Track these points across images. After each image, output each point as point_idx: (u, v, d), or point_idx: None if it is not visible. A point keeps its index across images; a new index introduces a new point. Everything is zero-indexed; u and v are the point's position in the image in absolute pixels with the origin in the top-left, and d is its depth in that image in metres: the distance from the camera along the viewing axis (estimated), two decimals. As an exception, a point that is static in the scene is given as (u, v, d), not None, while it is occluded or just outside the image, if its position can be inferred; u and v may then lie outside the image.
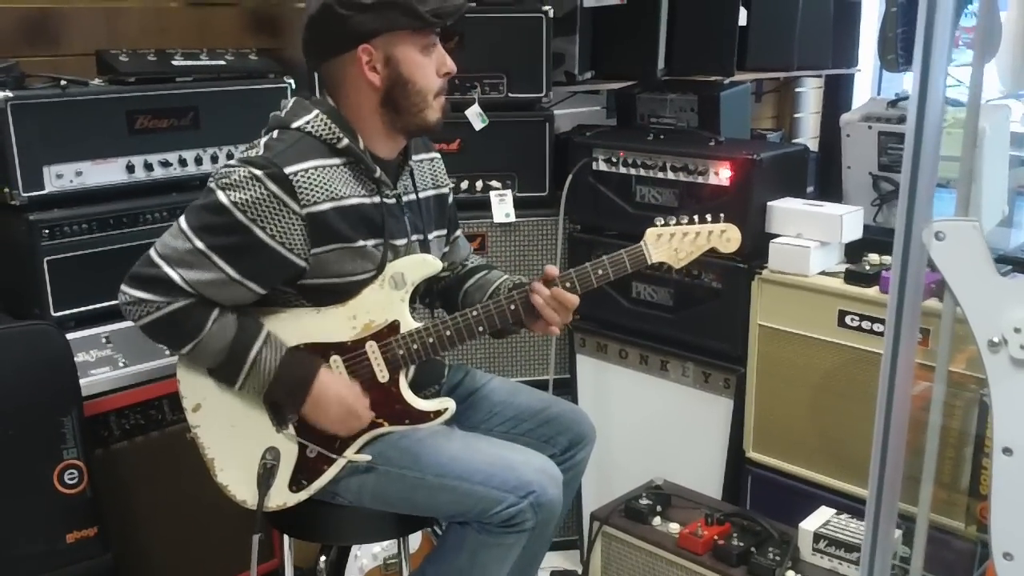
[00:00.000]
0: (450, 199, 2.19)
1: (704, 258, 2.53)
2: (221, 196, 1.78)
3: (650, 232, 1.99)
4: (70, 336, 2.18)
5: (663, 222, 2.00)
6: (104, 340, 2.28)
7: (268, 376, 1.85)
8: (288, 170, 1.78)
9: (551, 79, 2.86)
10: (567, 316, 1.96)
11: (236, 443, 1.94)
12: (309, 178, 1.80)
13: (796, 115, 4.47)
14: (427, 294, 2.18)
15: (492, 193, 2.84)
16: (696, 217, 2.01)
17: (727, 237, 2.02)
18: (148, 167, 2.35)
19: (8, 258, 2.25)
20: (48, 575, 2.09)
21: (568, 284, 1.94)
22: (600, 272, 1.96)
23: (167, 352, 2.32)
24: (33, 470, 2.08)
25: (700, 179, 2.56)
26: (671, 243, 1.99)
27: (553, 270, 1.95)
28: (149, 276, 1.79)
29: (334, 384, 1.89)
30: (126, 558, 2.29)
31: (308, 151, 1.83)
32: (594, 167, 2.80)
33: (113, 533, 2.22)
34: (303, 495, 1.92)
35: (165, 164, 2.38)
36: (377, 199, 1.91)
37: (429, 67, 1.89)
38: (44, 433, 2.09)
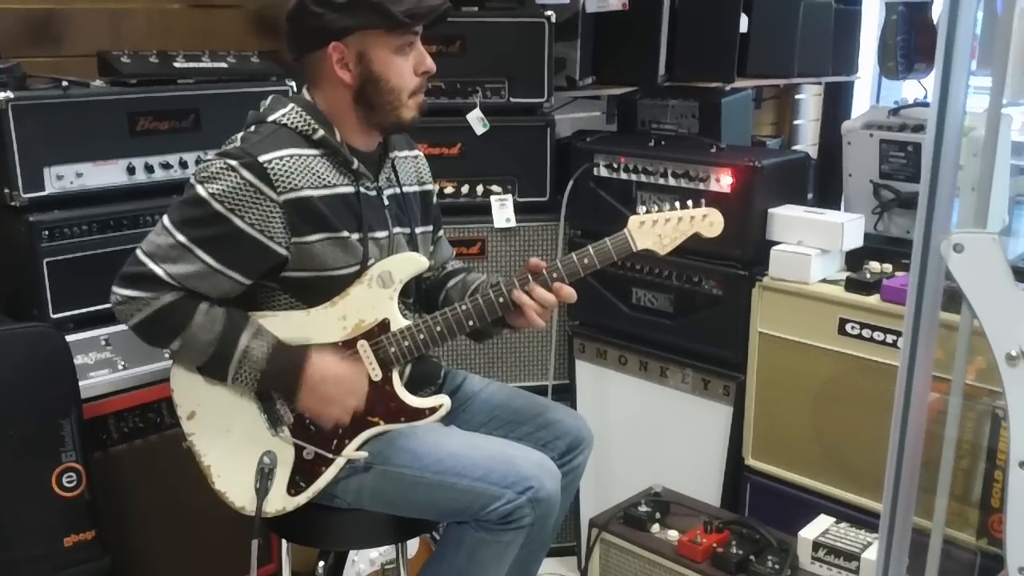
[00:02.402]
0: (434, 198, 2.20)
1: (704, 264, 2.57)
2: (200, 189, 1.81)
3: (633, 220, 1.98)
4: (69, 338, 2.18)
5: (645, 210, 2.00)
6: (103, 342, 2.28)
7: (258, 366, 1.85)
8: (263, 158, 1.81)
9: (552, 84, 2.86)
10: (548, 314, 1.96)
11: (232, 449, 1.93)
12: (284, 165, 1.82)
13: (796, 122, 4.48)
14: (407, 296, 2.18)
15: (493, 198, 2.84)
16: (678, 203, 2.00)
17: (710, 221, 2.00)
18: (149, 169, 2.35)
19: (7, 259, 2.24)
20: (46, 578, 2.09)
21: (555, 274, 1.94)
22: (586, 261, 1.96)
23: (166, 355, 2.31)
24: (31, 473, 2.07)
25: (701, 186, 2.56)
26: (654, 229, 1.98)
27: (537, 262, 1.95)
28: (135, 274, 1.82)
29: (329, 365, 1.88)
30: (124, 561, 2.28)
31: (283, 141, 1.86)
32: (595, 173, 2.80)
33: (111, 536, 2.22)
34: (302, 499, 1.92)
35: (166, 166, 2.37)
36: (356, 189, 1.93)
37: (404, 66, 1.91)
38: (43, 436, 2.09)
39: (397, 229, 2.02)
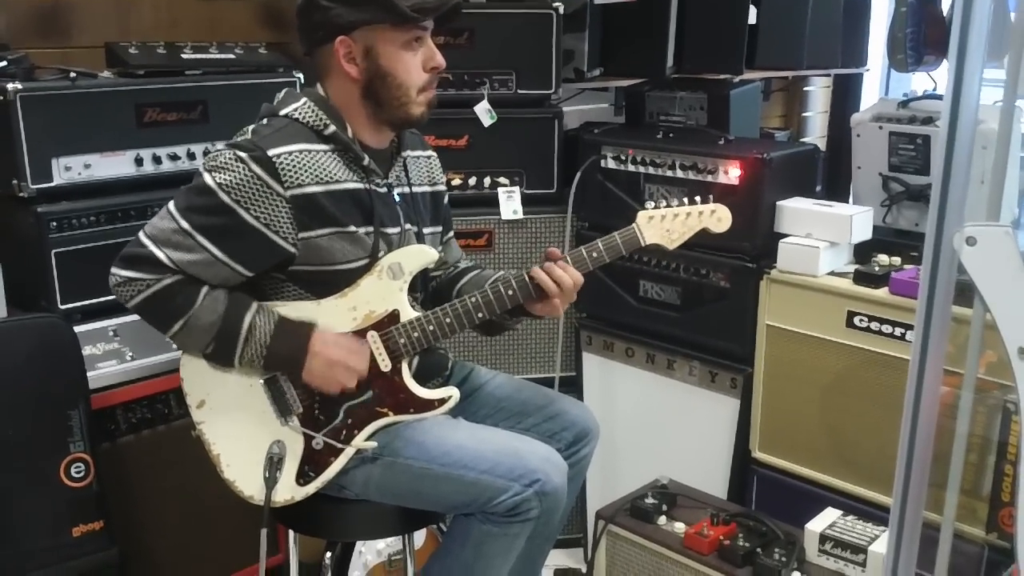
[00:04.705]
0: (445, 199, 2.20)
1: (712, 257, 2.56)
2: (207, 178, 1.81)
3: (641, 215, 1.99)
4: (77, 329, 2.18)
5: (654, 205, 2.00)
6: (111, 333, 2.28)
7: (264, 343, 1.85)
8: (272, 152, 1.81)
9: (560, 76, 2.86)
10: (572, 292, 1.96)
11: (242, 438, 1.94)
12: (293, 160, 1.82)
13: (804, 114, 4.47)
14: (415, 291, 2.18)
15: (500, 190, 2.84)
16: (686, 199, 2.01)
17: (718, 217, 2.02)
18: (156, 160, 2.35)
19: (16, 250, 2.24)
20: (54, 568, 2.09)
21: (563, 263, 1.94)
22: (595, 254, 1.97)
23: (174, 346, 2.32)
24: (40, 463, 2.08)
25: (709, 178, 2.56)
26: (663, 224, 1.99)
27: (556, 251, 1.96)
28: (136, 255, 1.82)
29: (333, 334, 1.89)
30: (132, 552, 2.29)
31: (294, 135, 1.86)
32: (603, 165, 2.80)
33: (119, 527, 2.22)
34: (310, 488, 1.92)
35: (174, 157, 2.38)
36: (366, 186, 1.92)
37: (412, 61, 1.90)
38: (51, 426, 2.10)
39: (408, 226, 2.02)
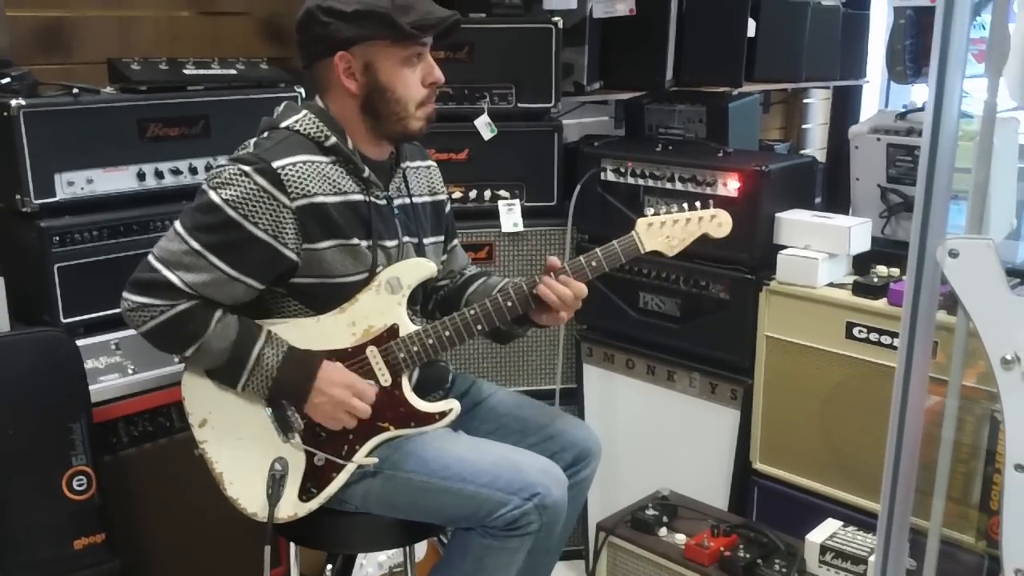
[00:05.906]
0: (447, 208, 2.21)
1: (711, 268, 2.57)
2: (213, 195, 1.81)
3: (640, 222, 1.99)
4: (79, 343, 2.19)
5: (653, 212, 2.00)
6: (113, 347, 2.29)
7: (271, 374, 1.86)
8: (276, 164, 1.81)
9: (560, 89, 2.87)
10: (575, 304, 1.96)
11: (244, 456, 1.94)
12: (297, 171, 1.83)
13: (804, 126, 4.48)
14: (426, 303, 2.18)
15: (500, 203, 2.85)
16: (686, 205, 2.01)
17: (718, 222, 2.01)
18: (159, 175, 2.37)
19: (19, 264, 2.25)
20: (56, 581, 2.10)
21: (562, 276, 1.95)
22: (594, 263, 1.97)
23: (176, 359, 2.33)
24: (42, 476, 2.09)
25: (708, 190, 2.57)
26: (662, 231, 1.98)
27: (556, 261, 1.96)
28: (149, 281, 1.81)
29: (339, 371, 1.90)
30: (133, 564, 2.29)
31: (296, 147, 1.87)
32: (602, 177, 2.81)
33: (121, 539, 2.23)
34: (313, 505, 1.92)
35: (176, 172, 2.39)
36: (366, 198, 1.93)
37: (411, 77, 1.91)
38: (53, 439, 2.10)
39: (407, 238, 2.02)
